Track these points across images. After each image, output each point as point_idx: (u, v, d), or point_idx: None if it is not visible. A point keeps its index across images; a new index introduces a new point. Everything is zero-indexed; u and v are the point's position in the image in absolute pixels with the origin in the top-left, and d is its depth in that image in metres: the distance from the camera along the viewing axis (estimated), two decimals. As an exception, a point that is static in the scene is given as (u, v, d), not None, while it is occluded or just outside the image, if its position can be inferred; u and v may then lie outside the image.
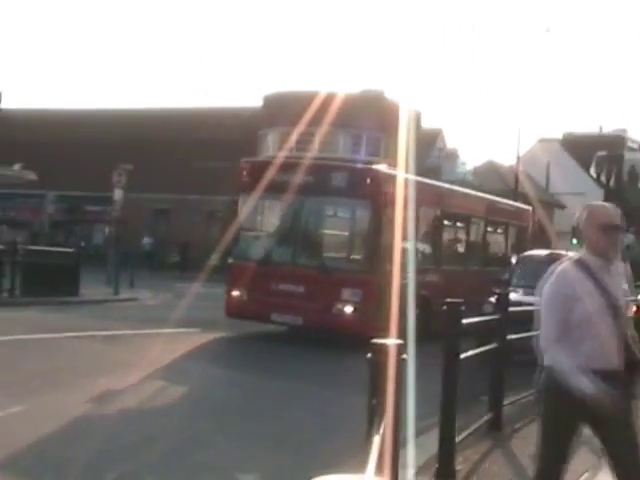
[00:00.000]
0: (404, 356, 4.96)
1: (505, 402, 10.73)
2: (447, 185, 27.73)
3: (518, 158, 54.31)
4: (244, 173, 20.25)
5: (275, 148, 40.22)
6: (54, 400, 11.35)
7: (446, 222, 23.91)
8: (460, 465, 8.38)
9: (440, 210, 23.13)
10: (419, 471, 8.26)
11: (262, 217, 21.31)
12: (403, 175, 19.93)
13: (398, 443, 4.56)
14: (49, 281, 24.50)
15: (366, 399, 4.78)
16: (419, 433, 9.76)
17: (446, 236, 24.09)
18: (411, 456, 8.64)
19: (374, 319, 16.92)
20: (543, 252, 21.85)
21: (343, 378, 14.65)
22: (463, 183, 40.61)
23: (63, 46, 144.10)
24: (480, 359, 9.79)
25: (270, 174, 19.07)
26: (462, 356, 8.56)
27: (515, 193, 49.84)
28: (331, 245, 20.30)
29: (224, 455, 9.31)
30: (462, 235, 25.29)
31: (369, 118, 48.26)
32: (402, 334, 17.54)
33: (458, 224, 25.01)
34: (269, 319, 19.09)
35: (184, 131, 53.03)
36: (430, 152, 61.49)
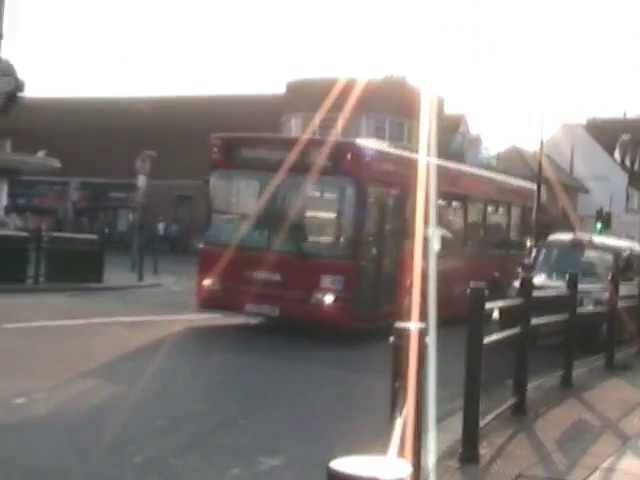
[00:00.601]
0: (426, 340, 4.97)
1: (529, 386, 10.71)
2: (443, 161, 25.39)
3: (542, 143, 54.01)
4: (215, 150, 18.63)
5: (298, 133, 40.28)
6: (79, 385, 11.42)
7: (441, 201, 21.22)
8: (484, 449, 8.38)
9: (433, 187, 20.27)
10: (443, 455, 8.27)
11: (234, 198, 19.92)
12: (391, 150, 19.19)
13: (421, 426, 4.56)
14: (73, 268, 24.60)
15: (389, 382, 4.79)
16: (443, 417, 9.79)
17: (441, 216, 21.38)
18: (435, 440, 8.66)
19: (358, 309, 16.79)
20: (567, 236, 21.82)
21: (366, 361, 14.70)
22: (487, 168, 40.56)
23: (86, 33, 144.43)
24: (504, 343, 9.76)
25: (243, 150, 18.25)
26: (486, 340, 8.54)
27: (539, 178, 49.65)
28: (309, 228, 18.31)
29: (248, 438, 9.34)
30: (459, 216, 23.18)
31: (392, 103, 48.36)
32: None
33: (454, 204, 22.91)
34: (243, 310, 17.54)
35: (207, 118, 53.06)
36: (453, 138, 61.34)
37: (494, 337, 9.20)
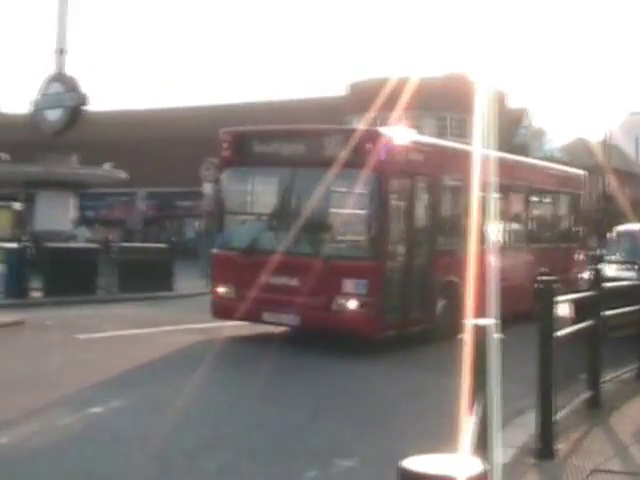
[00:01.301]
0: (499, 335, 4.93)
1: (603, 379, 10.58)
2: (470, 148, 24.12)
3: (607, 133, 53.36)
4: (225, 145, 17.18)
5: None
6: (152, 393, 11.53)
7: (482, 193, 18.96)
8: (559, 444, 8.29)
9: (467, 178, 17.96)
10: (518, 451, 8.21)
11: (247, 197, 18.24)
12: (421, 139, 17.43)
13: (494, 423, 4.53)
14: (144, 277, 24.84)
15: (455, 380, 4.77)
16: (517, 414, 9.72)
17: (474, 209, 18.99)
18: (510, 436, 8.60)
19: (385, 315, 15.43)
20: (637, 226, 21.55)
21: (430, 360, 14.65)
22: (551, 160, 40.20)
23: (147, 45, 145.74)
24: (576, 336, 9.66)
25: (256, 145, 16.94)
26: (557, 334, 8.46)
27: (605, 168, 49.11)
28: (330, 227, 16.38)
29: (320, 441, 9.35)
30: (499, 208, 20.29)
31: (453, 100, 48.10)
32: (429, 329, 16.41)
33: (493, 195, 19.86)
34: (260, 319, 16.13)
35: (270, 123, 53.29)
36: (517, 131, 60.94)
37: (566, 330, 9.11)
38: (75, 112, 33.39)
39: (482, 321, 4.87)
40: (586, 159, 61.34)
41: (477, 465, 2.97)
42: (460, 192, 18.51)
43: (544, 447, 8.08)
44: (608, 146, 55.42)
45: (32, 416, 9.96)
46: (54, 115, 33.43)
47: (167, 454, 8.45)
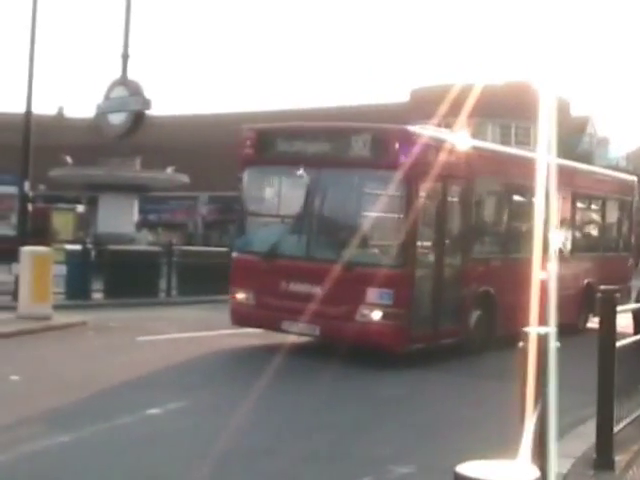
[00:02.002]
0: (557, 344, 4.90)
1: None
2: (515, 151, 23.35)
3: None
4: (248, 143, 16.29)
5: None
6: (211, 396, 11.60)
7: (515, 197, 18.32)
8: (619, 455, 8.21)
9: (506, 181, 17.74)
10: (577, 462, 8.14)
11: (270, 198, 17.17)
12: (451, 139, 16.12)
13: (552, 431, 4.50)
14: (204, 280, 24.93)
15: (510, 387, 4.75)
16: (576, 424, 9.64)
17: (513, 215, 18.35)
18: (569, 446, 8.53)
19: (411, 327, 14.48)
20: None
21: (484, 368, 14.55)
22: (616, 169, 39.79)
23: (208, 50, 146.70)
24: (638, 346, 9.55)
25: (279, 143, 16.04)
26: (618, 344, 8.37)
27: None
28: (354, 232, 15.00)
29: (377, 447, 9.36)
30: (533, 212, 18.59)
31: (517, 108, 47.82)
32: (461, 342, 15.60)
33: (529, 198, 18.04)
34: (280, 328, 15.26)
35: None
36: (580, 139, 60.46)
37: (627, 340, 9.02)
38: (139, 116, 33.71)
39: (542, 329, 4.84)
40: (651, 168, 60.63)
41: (532, 472, 2.96)
42: (498, 197, 18.10)
43: (603, 458, 8.00)
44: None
45: (93, 415, 10.08)
46: (118, 119, 33.78)
47: (226, 456, 8.50)
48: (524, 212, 18.69)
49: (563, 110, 53.08)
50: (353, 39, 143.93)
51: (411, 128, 15.00)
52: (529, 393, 4.65)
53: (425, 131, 15.32)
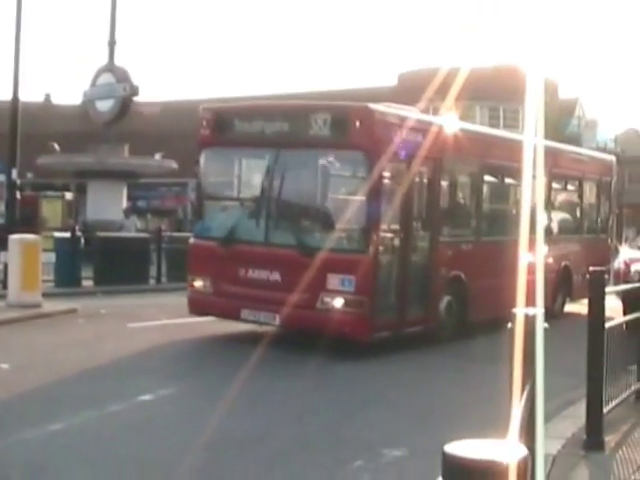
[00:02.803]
0: (546, 325, 4.90)
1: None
2: (484, 129, 22.81)
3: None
4: (204, 124, 15.57)
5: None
6: (202, 382, 11.61)
7: (487, 178, 17.71)
8: (609, 436, 8.25)
9: (477, 161, 16.97)
10: (568, 442, 8.18)
11: (228, 181, 16.39)
12: (417, 116, 15.55)
13: (541, 412, 4.51)
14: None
15: (500, 370, 4.76)
16: (566, 405, 9.68)
17: (486, 196, 17.91)
18: (559, 427, 8.57)
19: (375, 315, 13.79)
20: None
21: (477, 350, 14.54)
22: (604, 151, 39.88)
23: (196, 35, 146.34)
24: (626, 328, 9.59)
25: (237, 123, 15.24)
26: (607, 325, 8.40)
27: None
28: (315, 215, 14.76)
29: (369, 431, 9.38)
30: (507, 195, 18.97)
31: (505, 91, 47.85)
32: (431, 329, 15.02)
33: (502, 180, 18.51)
34: (239, 317, 14.57)
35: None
36: (569, 122, 60.55)
37: (615, 322, 9.06)
38: (126, 102, 33.63)
39: (530, 310, 4.83)
40: (638, 149, 60.79)
41: (520, 450, 2.97)
42: (469, 177, 17.50)
43: (593, 438, 8.05)
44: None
45: (84, 403, 10.09)
46: (105, 106, 33.68)
47: (218, 442, 8.53)
48: (497, 193, 18.81)
49: (551, 92, 53.18)
50: (341, 23, 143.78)
51: (373, 106, 14.12)
52: (517, 375, 4.66)
53: (389, 109, 14.75)
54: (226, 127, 15.36)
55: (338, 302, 13.51)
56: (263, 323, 14.53)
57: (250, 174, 16.06)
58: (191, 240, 16.01)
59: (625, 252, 23.48)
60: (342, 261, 13.54)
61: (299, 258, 13.64)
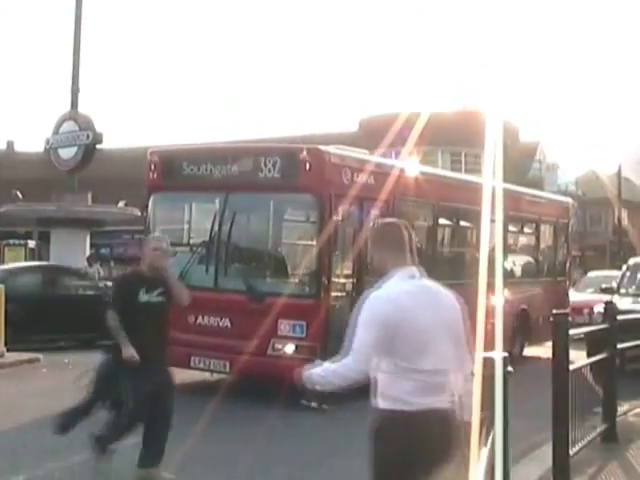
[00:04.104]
0: (509, 369, 4.92)
1: (619, 413, 10.53)
2: (439, 171, 22.78)
3: (619, 166, 53.52)
4: (152, 167, 15.25)
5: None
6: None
7: (442, 220, 17.55)
8: (576, 478, 8.26)
9: (431, 204, 16.70)
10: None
11: (177, 225, 16.00)
12: (363, 157, 15.32)
13: (508, 456, 4.53)
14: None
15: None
16: (532, 448, 9.68)
17: (440, 239, 17.78)
18: (525, 470, 8.56)
19: (327, 360, 12.96)
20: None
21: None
22: (565, 194, 40.21)
23: (159, 82, 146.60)
24: (591, 370, 9.64)
25: (185, 167, 14.86)
26: (571, 367, 8.44)
27: (619, 200, 49.17)
28: (264, 260, 14.70)
29: (339, 479, 9.33)
30: (463, 237, 18.79)
31: (466, 135, 48.24)
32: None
33: (457, 222, 18.31)
34: (188, 365, 14.08)
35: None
36: (530, 165, 61.13)
37: (580, 363, 9.11)
38: (89, 150, 33.59)
39: (492, 354, 4.86)
40: (599, 191, 61.37)
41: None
42: (423, 220, 16.96)
43: (560, 481, 8.05)
44: (620, 179, 55.38)
45: (49, 453, 9.97)
46: (68, 153, 33.62)
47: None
48: (452, 236, 18.56)
49: (512, 136, 53.69)
50: (302, 68, 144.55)
51: (322, 148, 13.90)
52: (481, 419, 4.67)
53: (340, 151, 14.47)
54: (174, 171, 15.04)
55: (289, 348, 13.25)
56: (213, 371, 14.29)
57: (199, 219, 15.80)
58: None
59: (572, 295, 23.34)
60: (293, 306, 13.15)
61: (250, 304, 13.47)
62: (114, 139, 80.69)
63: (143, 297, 9.01)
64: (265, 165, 13.75)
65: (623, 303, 15.67)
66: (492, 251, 4.85)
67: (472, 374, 4.88)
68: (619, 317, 10.83)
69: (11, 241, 43.28)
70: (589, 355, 10.40)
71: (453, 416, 4.84)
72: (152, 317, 9.07)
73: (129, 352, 8.71)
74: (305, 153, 13.64)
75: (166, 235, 10.36)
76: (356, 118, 57.52)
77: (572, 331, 8.72)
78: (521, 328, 19.44)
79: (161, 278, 9.19)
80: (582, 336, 10.86)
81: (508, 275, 19.34)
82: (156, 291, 9.09)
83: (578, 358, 9.82)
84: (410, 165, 16.47)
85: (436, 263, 16.78)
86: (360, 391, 12.27)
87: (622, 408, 10.85)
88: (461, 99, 66.35)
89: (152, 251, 9.29)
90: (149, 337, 8.94)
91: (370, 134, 42.82)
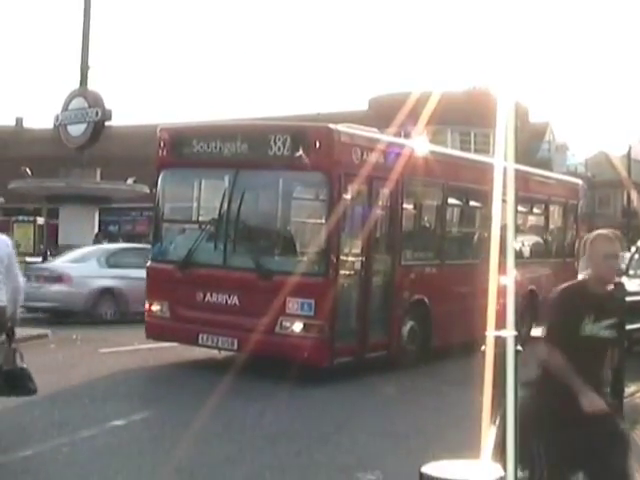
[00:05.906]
0: (519, 348, 4.92)
1: (626, 394, 10.53)
2: (450, 151, 22.78)
3: (629, 147, 53.29)
4: (161, 144, 15.24)
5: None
6: (174, 406, 11.54)
7: (452, 200, 17.51)
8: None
9: (442, 183, 16.60)
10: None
11: (186, 202, 16.11)
12: (378, 137, 15.30)
13: (517, 433, 4.52)
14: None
15: (473, 394, 4.76)
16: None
17: (450, 219, 17.83)
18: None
19: (335, 339, 13.43)
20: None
21: (452, 373, 14.42)
22: (574, 175, 40.11)
23: (171, 59, 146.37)
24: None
25: (195, 144, 14.84)
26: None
27: (627, 182, 49.04)
28: (273, 237, 14.67)
29: (343, 455, 9.35)
30: (472, 217, 18.83)
31: (476, 115, 48.10)
32: (392, 355, 14.57)
33: (467, 202, 18.30)
34: (197, 342, 14.27)
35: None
36: (539, 146, 60.92)
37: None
38: (98, 127, 33.62)
39: (503, 332, 4.86)
40: (608, 173, 61.21)
41: (496, 471, 2.98)
42: (433, 199, 17.02)
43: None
44: (629, 160, 55.20)
45: (56, 429, 10.01)
46: (77, 130, 33.68)
47: (190, 466, 8.49)
48: (462, 216, 18.56)
49: (522, 116, 53.47)
50: (312, 47, 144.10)
51: (332, 126, 13.78)
52: (490, 397, 4.68)
53: (350, 130, 14.41)
54: (184, 148, 15.02)
55: (297, 326, 13.26)
56: (221, 348, 14.28)
57: (209, 196, 15.79)
58: (148, 263, 15.47)
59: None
60: (301, 285, 13.06)
61: (258, 281, 13.48)
62: (124, 116, 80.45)
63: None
64: (275, 143, 13.66)
65: (631, 285, 15.58)
66: (502, 231, 4.80)
67: None
68: (627, 299, 10.80)
69: (20, 217, 43.34)
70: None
71: None
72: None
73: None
74: (315, 131, 13.75)
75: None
76: (366, 97, 57.31)
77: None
78: (529, 309, 19.38)
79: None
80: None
81: (517, 255, 18.99)
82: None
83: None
84: (421, 144, 16.35)
85: (445, 243, 17.01)
86: (366, 368, 12.31)
87: (629, 389, 10.84)
88: (471, 79, 66.23)
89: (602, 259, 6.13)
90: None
91: (380, 113, 42.72)
